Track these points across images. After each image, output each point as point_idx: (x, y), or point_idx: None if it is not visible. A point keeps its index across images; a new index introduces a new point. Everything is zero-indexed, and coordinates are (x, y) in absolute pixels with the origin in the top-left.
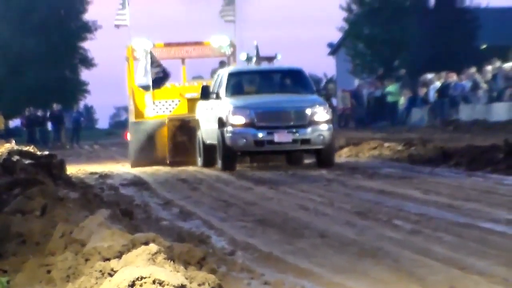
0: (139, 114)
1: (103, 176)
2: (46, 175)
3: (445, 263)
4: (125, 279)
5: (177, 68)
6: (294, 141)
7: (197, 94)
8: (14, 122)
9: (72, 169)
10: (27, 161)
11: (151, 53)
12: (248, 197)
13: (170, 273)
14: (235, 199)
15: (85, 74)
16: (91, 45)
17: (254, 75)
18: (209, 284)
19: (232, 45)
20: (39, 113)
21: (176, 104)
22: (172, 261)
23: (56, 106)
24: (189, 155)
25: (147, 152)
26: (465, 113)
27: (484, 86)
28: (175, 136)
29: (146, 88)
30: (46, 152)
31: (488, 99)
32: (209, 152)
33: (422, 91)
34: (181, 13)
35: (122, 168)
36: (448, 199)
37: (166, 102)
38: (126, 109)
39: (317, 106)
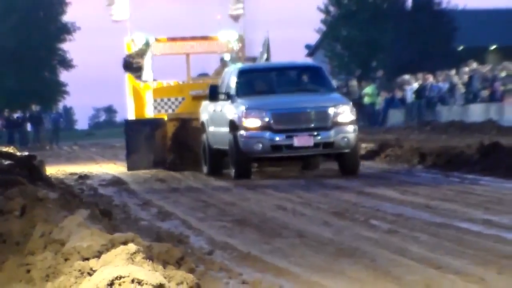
0: (139, 112)
1: (83, 177)
2: (26, 176)
3: (421, 263)
4: (104, 279)
5: (181, 64)
6: (316, 145)
7: (202, 91)
8: None
9: (52, 170)
10: (6, 162)
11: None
12: (226, 197)
13: (149, 273)
14: (214, 200)
15: (64, 76)
16: (70, 47)
17: (268, 72)
18: (187, 283)
19: (241, 40)
20: (19, 114)
21: (179, 102)
22: (150, 261)
23: (35, 107)
24: (191, 159)
25: (145, 154)
26: (442, 114)
27: (460, 87)
28: (175, 137)
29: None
30: (26, 153)
31: (465, 100)
32: (217, 159)
33: (399, 92)
34: (183, 10)
35: (101, 169)
36: (424, 199)
37: (168, 100)
38: (105, 110)
39: (341, 105)
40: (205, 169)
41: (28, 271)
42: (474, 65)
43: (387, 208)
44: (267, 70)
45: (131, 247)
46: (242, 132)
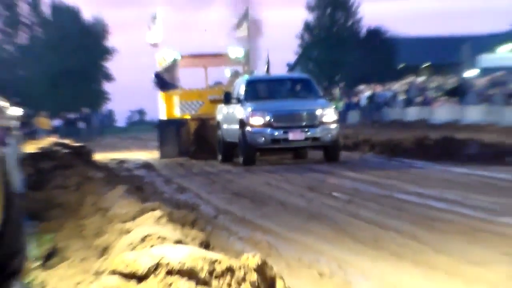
0: (168, 113)
1: (121, 161)
2: (79, 160)
3: (370, 224)
4: (137, 236)
5: (200, 75)
6: (306, 139)
7: (218, 96)
8: (56, 122)
9: (98, 156)
10: (65, 150)
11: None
12: (227, 176)
13: (170, 231)
14: (218, 178)
15: (106, 86)
16: (111, 64)
17: (269, 82)
18: (199, 239)
19: (246, 55)
20: (73, 115)
21: (200, 105)
22: (172, 223)
23: (85, 110)
24: (208, 150)
25: (173, 146)
26: (387, 114)
27: (401, 95)
28: (196, 133)
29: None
30: (79, 144)
31: (404, 104)
32: (229, 150)
33: (355, 98)
34: (202, 29)
35: (135, 156)
36: (373, 177)
37: (192, 103)
38: (138, 112)
39: (326, 108)
40: (219, 158)
41: (82, 230)
42: (411, 78)
43: (346, 184)
44: (269, 80)
45: (157, 213)
46: (249, 128)
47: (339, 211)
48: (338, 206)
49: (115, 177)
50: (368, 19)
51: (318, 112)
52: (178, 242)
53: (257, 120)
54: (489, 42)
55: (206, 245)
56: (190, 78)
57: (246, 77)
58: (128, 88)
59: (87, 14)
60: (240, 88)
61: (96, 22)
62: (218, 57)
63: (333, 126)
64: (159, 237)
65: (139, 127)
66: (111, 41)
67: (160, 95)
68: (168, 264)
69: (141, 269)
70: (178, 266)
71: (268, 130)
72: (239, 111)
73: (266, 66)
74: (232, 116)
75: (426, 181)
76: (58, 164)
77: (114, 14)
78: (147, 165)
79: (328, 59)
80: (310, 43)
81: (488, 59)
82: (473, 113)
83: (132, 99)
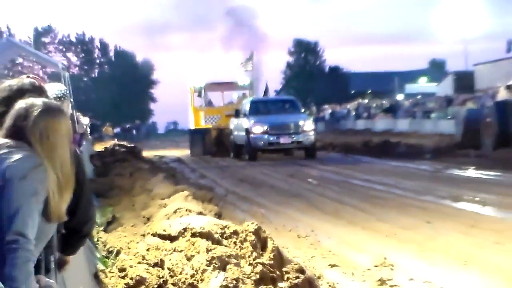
0: (196, 124)
1: (161, 157)
2: (132, 156)
3: (333, 201)
4: (171, 209)
5: (219, 96)
6: (292, 142)
7: (231, 112)
8: (116, 130)
9: (145, 153)
10: (122, 149)
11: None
12: (235, 168)
13: (194, 206)
14: (229, 169)
15: (151, 105)
16: (155, 90)
17: (266, 102)
18: (214, 211)
19: (251, 83)
20: (128, 125)
21: (219, 118)
22: (195, 200)
23: (137, 122)
24: (224, 150)
25: (200, 147)
26: (343, 125)
27: (352, 112)
28: (216, 138)
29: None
30: (132, 145)
31: (354, 118)
32: (238, 149)
33: (321, 114)
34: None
35: (171, 153)
36: (335, 168)
37: (213, 116)
38: (173, 123)
39: (306, 120)
40: (231, 155)
41: (133, 205)
42: (360, 100)
43: (316, 172)
44: (267, 101)
45: (185, 192)
46: (252, 135)
47: (311, 191)
48: (310, 188)
49: (157, 167)
50: (330, 60)
51: (301, 123)
52: (200, 213)
53: (258, 129)
54: (412, 76)
55: (219, 215)
56: (212, 98)
57: (250, 98)
58: (166, 106)
59: (139, 56)
60: (246, 106)
61: (145, 62)
62: (231, 84)
63: (311, 133)
64: (186, 210)
65: (174, 133)
66: (155, 75)
67: (190, 109)
68: (192, 229)
69: (174, 232)
70: (199, 230)
71: (266, 136)
72: (245, 122)
73: (265, 91)
74: (240, 126)
75: (371, 171)
76: (117, 159)
77: (158, 54)
78: (179, 160)
79: (303, 87)
80: (290, 77)
81: (411, 87)
82: (402, 124)
83: (169, 113)
